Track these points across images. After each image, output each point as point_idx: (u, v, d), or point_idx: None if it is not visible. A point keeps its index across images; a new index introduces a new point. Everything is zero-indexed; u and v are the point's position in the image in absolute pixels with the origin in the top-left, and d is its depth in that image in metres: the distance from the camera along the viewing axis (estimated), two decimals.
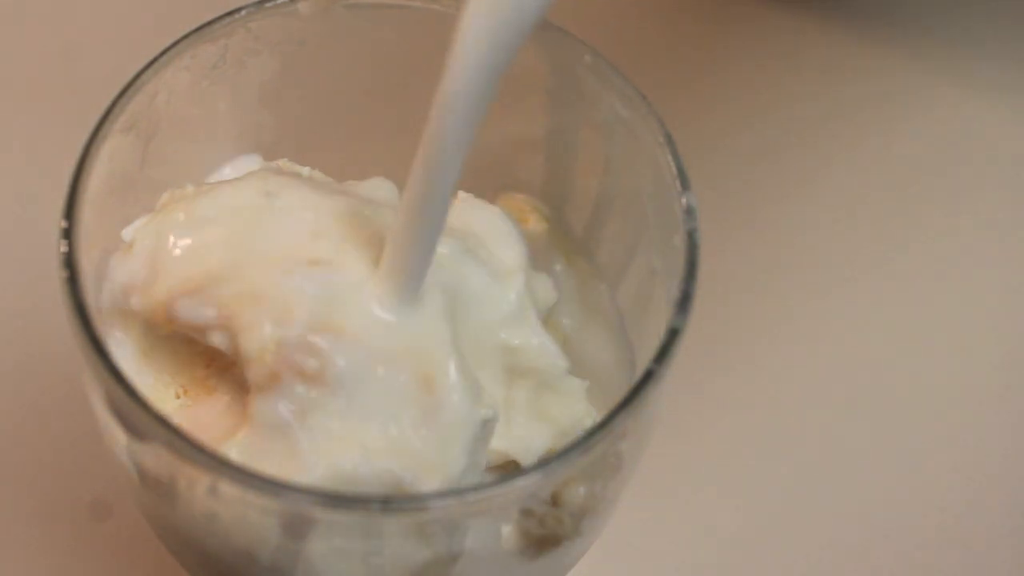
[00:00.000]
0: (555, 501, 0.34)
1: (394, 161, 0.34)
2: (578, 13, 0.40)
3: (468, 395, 0.33)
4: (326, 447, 0.32)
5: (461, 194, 0.37)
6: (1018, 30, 0.58)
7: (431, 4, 0.37)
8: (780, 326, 0.50)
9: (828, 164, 0.54)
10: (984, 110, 0.55)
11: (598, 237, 0.39)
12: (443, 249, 0.34)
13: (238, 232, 0.34)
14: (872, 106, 0.55)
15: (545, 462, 0.31)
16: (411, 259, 0.32)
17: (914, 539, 0.46)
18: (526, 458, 0.35)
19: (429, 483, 0.32)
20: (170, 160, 0.37)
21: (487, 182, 0.38)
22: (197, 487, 0.32)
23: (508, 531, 0.34)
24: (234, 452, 0.33)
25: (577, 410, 0.36)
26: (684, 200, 0.35)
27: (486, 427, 0.33)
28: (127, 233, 0.36)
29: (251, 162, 0.39)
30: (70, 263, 0.33)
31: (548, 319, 0.37)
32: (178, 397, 0.35)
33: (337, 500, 0.31)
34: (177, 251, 0.34)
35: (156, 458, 0.32)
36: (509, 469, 0.35)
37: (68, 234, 0.33)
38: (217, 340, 0.33)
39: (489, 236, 0.36)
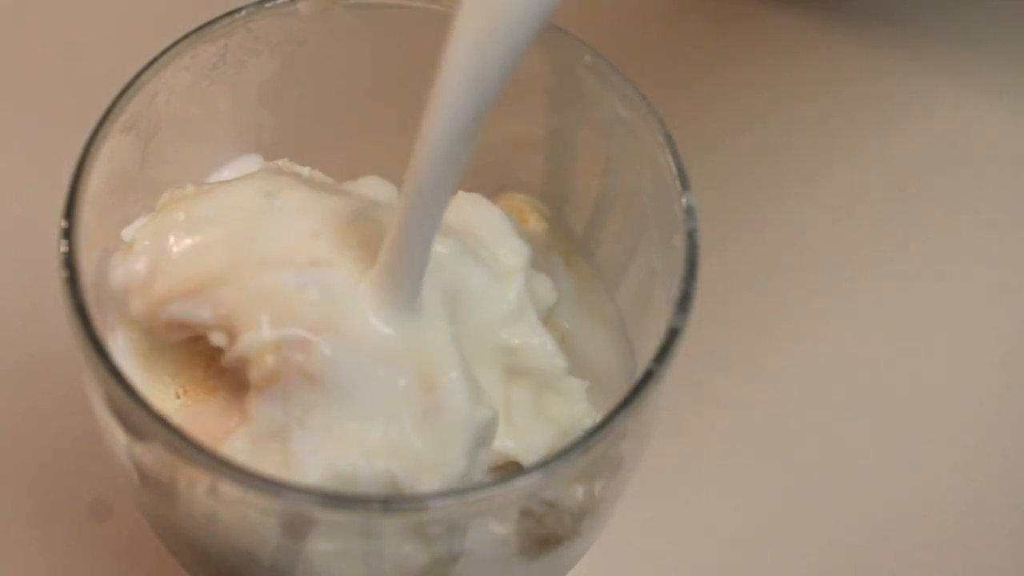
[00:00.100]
0: (555, 501, 0.34)
1: (394, 161, 0.34)
2: (578, 13, 0.40)
3: (468, 395, 0.33)
4: (325, 447, 0.32)
5: (461, 193, 0.37)
6: (1018, 30, 0.58)
7: (431, 4, 0.37)
8: (780, 326, 0.50)
9: (828, 164, 0.54)
10: (984, 110, 0.55)
11: (598, 237, 0.39)
12: (443, 249, 0.34)
13: (238, 232, 0.34)
14: (872, 106, 0.55)
15: (545, 462, 0.31)
16: (410, 258, 0.32)
17: (914, 539, 0.46)
18: (526, 458, 0.35)
19: (429, 484, 0.32)
20: (170, 160, 0.37)
21: (487, 182, 0.38)
22: (197, 487, 0.32)
23: (508, 531, 0.34)
24: (234, 452, 0.33)
25: (577, 410, 0.36)
26: (684, 200, 0.35)
27: (486, 427, 0.33)
28: (127, 233, 0.36)
29: (251, 162, 0.39)
30: (70, 263, 0.33)
31: (548, 319, 0.37)
32: (178, 397, 0.35)
33: (337, 500, 0.31)
34: (177, 251, 0.34)
35: (156, 458, 0.32)
36: (509, 469, 0.35)
37: (68, 234, 0.33)
38: (217, 340, 0.33)
39: (489, 236, 0.36)
